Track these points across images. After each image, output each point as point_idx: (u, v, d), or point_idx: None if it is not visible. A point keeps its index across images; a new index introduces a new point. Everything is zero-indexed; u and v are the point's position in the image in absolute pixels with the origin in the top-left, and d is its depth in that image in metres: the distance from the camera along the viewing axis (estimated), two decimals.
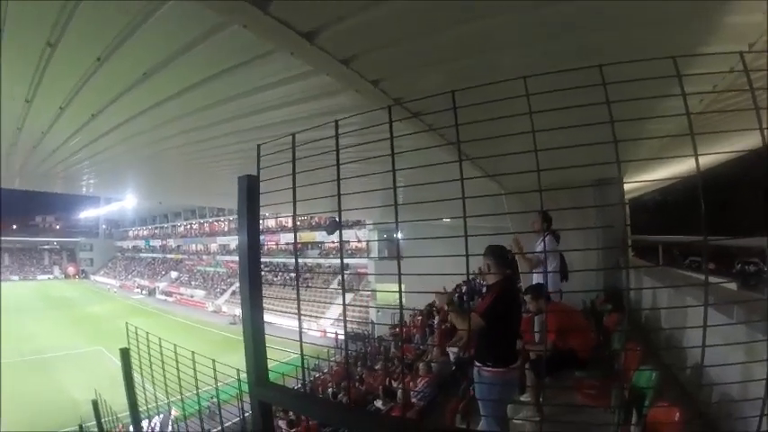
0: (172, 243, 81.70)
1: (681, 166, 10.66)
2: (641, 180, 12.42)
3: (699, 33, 3.78)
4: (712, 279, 2.11)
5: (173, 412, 11.84)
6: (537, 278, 6.34)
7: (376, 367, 15.44)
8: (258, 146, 2.49)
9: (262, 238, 2.50)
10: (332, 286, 44.31)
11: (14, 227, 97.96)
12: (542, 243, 6.12)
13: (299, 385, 6.32)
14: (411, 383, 8.93)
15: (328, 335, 32.19)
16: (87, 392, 12.60)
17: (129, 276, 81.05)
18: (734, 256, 9.64)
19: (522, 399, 5.33)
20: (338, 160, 2.24)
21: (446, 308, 4.34)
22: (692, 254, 10.44)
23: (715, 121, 5.59)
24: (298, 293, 2.49)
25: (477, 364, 4.07)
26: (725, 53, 3.47)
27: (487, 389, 3.98)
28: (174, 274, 71.71)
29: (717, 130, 5.74)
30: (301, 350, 2.48)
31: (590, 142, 2.11)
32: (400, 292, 2.16)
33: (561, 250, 6.29)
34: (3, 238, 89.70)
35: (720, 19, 3.48)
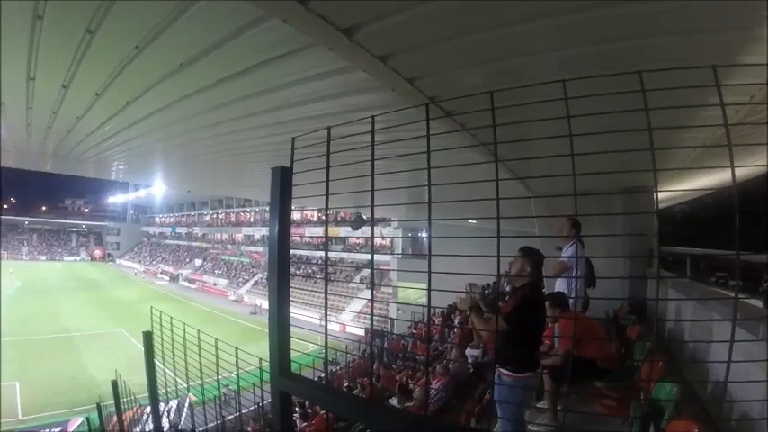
0: (197, 231, 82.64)
1: (711, 178, 10.45)
2: (671, 189, 12.19)
3: (738, 43, 3.71)
4: (740, 295, 2.08)
5: (189, 396, 12.00)
6: (561, 283, 6.28)
7: (393, 366, 15.45)
8: (293, 138, 2.51)
9: None
10: (354, 281, 44.48)
11: (44, 208, 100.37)
12: (570, 249, 6.06)
13: (317, 378, 6.37)
14: (421, 382, 8.93)
15: (349, 329, 32.38)
16: (107, 372, 12.85)
17: (154, 262, 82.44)
18: (762, 274, 9.41)
19: (539, 405, 5.30)
20: (373, 156, 2.26)
21: (468, 312, 4.27)
22: (719, 269, 10.21)
23: (749, 133, 5.47)
24: (326, 289, 2.51)
25: (498, 367, 4.05)
26: (763, 64, 3.41)
27: (507, 392, 3.97)
28: (197, 262, 72.62)
29: (752, 142, 5.63)
30: (326, 343, 2.51)
31: (624, 149, 2.09)
32: (429, 289, 2.17)
33: (590, 256, 6.22)
34: (32, 219, 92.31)
35: (760, 30, 3.41)
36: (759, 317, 3.35)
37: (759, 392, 2.53)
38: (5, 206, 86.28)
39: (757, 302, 4.41)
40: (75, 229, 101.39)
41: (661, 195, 13.08)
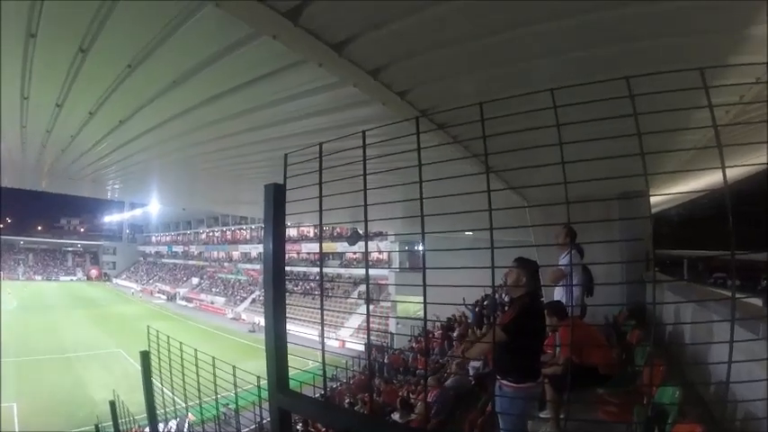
0: (194, 250, 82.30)
1: (706, 179, 10.50)
2: (667, 193, 12.24)
3: (726, 44, 3.74)
4: (738, 294, 2.07)
5: (188, 416, 11.89)
6: (560, 292, 6.27)
7: (394, 381, 15.37)
8: (285, 155, 2.51)
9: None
10: (352, 296, 44.35)
11: (40, 228, 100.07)
12: (567, 257, 6.05)
13: (318, 395, 6.35)
14: (423, 396, 8.89)
15: (348, 345, 32.23)
16: (105, 392, 12.73)
17: (151, 281, 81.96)
18: (760, 272, 9.43)
19: (541, 415, 5.27)
20: (365, 171, 2.25)
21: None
22: (717, 270, 10.23)
23: (741, 132, 5.50)
24: (321, 304, 2.49)
25: (499, 378, 4.03)
26: (751, 64, 3.43)
27: (508, 403, 3.94)
28: (195, 281, 72.20)
29: (743, 141, 5.67)
30: (323, 359, 2.49)
31: (616, 155, 2.09)
32: (425, 303, 2.16)
33: (587, 263, 6.21)
34: (28, 239, 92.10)
35: (747, 30, 3.44)
36: (759, 316, 3.35)
37: (763, 391, 2.52)
38: (1, 226, 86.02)
39: (757, 301, 4.41)
40: (71, 249, 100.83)
41: (658, 198, 13.14)
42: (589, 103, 2.09)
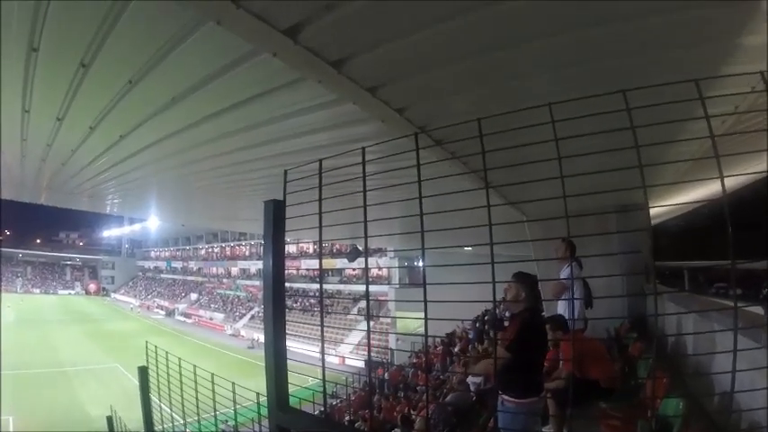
0: (193, 265, 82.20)
1: (705, 190, 10.50)
2: (665, 204, 12.24)
3: (720, 54, 3.76)
4: (740, 303, 2.07)
5: None
6: (561, 305, 6.26)
7: (398, 395, 15.25)
8: (285, 171, 2.51)
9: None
10: (352, 313, 44.22)
11: (38, 241, 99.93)
12: (567, 270, 6.04)
13: (318, 412, 6.29)
14: (422, 413, 8.84)
15: (348, 362, 32.01)
16: (102, 408, 12.61)
17: (150, 296, 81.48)
18: (762, 281, 9.42)
19: (544, 430, 5.23)
20: (365, 187, 2.25)
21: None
22: (718, 280, 10.21)
23: (738, 142, 5.52)
24: (321, 321, 2.49)
25: (501, 394, 4.01)
26: (746, 73, 3.45)
27: (511, 419, 3.92)
28: (193, 296, 71.90)
29: (740, 151, 5.69)
30: (323, 376, 2.47)
31: (614, 168, 2.10)
32: (426, 318, 2.15)
33: (587, 277, 6.20)
34: (26, 252, 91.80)
35: (741, 40, 3.46)
36: (761, 324, 3.33)
37: (765, 401, 2.50)
38: (0, 238, 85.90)
39: (758, 310, 4.38)
40: (69, 263, 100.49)
41: (657, 210, 13.13)
42: (587, 117, 2.10)
